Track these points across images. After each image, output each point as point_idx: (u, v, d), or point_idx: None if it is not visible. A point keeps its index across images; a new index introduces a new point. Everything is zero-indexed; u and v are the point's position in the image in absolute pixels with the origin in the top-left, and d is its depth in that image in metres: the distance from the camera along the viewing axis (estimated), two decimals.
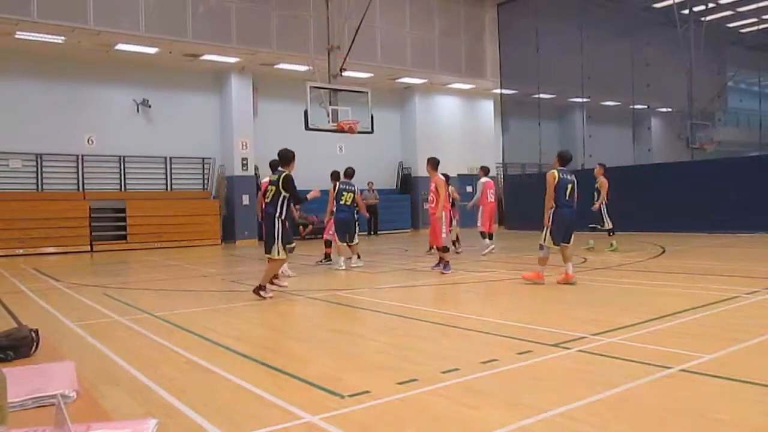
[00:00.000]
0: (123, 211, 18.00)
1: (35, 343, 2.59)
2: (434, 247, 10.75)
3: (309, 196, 8.17)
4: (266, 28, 17.79)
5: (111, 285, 9.44)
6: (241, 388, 3.82)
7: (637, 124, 21.05)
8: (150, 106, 18.82)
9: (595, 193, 12.91)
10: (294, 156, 7.95)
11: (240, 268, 12.40)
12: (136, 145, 18.65)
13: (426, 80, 22.68)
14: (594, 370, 4.06)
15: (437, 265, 10.26)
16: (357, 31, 15.64)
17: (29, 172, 17.30)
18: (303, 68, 17.75)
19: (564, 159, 8.46)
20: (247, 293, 8.48)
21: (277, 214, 7.59)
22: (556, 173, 8.24)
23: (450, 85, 23.66)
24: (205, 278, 10.53)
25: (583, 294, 7.48)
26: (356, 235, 11.35)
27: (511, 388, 3.72)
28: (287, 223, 7.90)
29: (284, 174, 7.65)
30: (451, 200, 11.82)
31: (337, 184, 11.45)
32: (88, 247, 17.24)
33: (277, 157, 10.56)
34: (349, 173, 11.75)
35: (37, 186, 17.39)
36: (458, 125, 24.91)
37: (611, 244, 12.81)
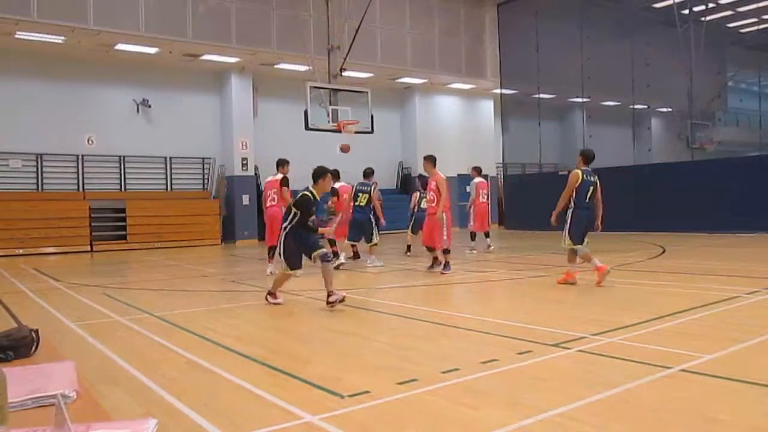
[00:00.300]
0: (123, 211, 18.00)
1: (35, 343, 2.59)
2: (427, 247, 10.26)
3: (321, 231, 7.43)
4: (266, 28, 17.79)
5: (111, 285, 9.44)
6: (241, 388, 3.82)
7: (637, 124, 21.04)
8: (150, 106, 18.82)
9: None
10: (323, 174, 7.26)
11: (240, 268, 12.40)
12: (136, 145, 18.66)
13: (426, 80, 22.68)
14: (594, 370, 4.06)
15: (432, 266, 10.15)
16: (357, 31, 15.65)
17: (29, 172, 17.30)
18: (303, 68, 17.75)
19: (588, 158, 8.18)
20: (247, 293, 8.49)
21: (284, 226, 6.98)
22: (580, 174, 8.00)
23: (450, 85, 23.66)
24: (205, 278, 10.53)
25: (583, 294, 7.48)
26: (374, 236, 11.24)
27: (511, 388, 3.72)
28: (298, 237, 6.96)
29: (301, 193, 7.05)
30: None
31: (354, 185, 11.57)
32: (88, 247, 17.24)
33: (281, 158, 10.69)
34: (368, 173, 11.77)
35: (37, 186, 17.40)
36: (458, 125, 24.91)
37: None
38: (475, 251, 13.36)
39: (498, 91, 23.41)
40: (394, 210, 23.41)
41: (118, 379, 4.11)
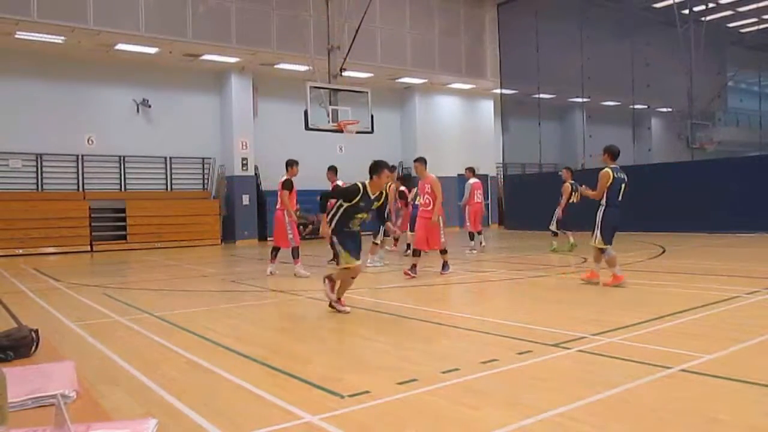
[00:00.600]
0: (123, 211, 18.00)
1: (35, 343, 2.59)
2: (414, 250, 9.77)
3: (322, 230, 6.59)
4: (266, 28, 17.79)
5: (111, 285, 9.43)
6: (241, 388, 3.82)
7: (637, 124, 21.05)
8: (150, 106, 18.82)
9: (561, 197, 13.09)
10: (377, 169, 6.55)
11: (240, 268, 12.40)
12: (136, 145, 18.66)
13: (426, 80, 22.67)
14: (594, 370, 4.06)
15: (412, 269, 9.45)
16: (357, 31, 15.66)
17: (29, 172, 17.30)
18: (303, 68, 17.75)
19: (614, 154, 7.97)
20: (247, 293, 8.48)
21: (329, 220, 6.52)
22: (611, 172, 7.78)
23: (450, 85, 23.66)
24: (205, 278, 10.52)
25: (583, 294, 7.48)
26: (378, 234, 11.29)
27: (511, 388, 3.72)
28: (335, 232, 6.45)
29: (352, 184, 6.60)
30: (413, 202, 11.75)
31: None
32: (88, 247, 17.24)
33: (290, 159, 10.46)
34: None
35: (37, 186, 17.39)
36: (458, 125, 24.91)
37: (551, 244, 13.11)
38: (475, 251, 13.46)
39: (498, 91, 23.41)
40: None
41: (118, 379, 4.11)
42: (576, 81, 20.90)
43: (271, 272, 10.14)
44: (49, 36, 15.46)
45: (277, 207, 10.26)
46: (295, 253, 9.97)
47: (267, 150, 20.07)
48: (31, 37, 15.42)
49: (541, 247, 13.91)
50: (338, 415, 3.24)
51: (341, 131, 14.67)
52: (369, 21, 17.50)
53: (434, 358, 4.51)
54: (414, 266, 9.39)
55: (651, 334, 4.96)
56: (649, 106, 23.56)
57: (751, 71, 25.78)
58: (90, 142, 18.06)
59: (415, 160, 9.85)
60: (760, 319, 5.63)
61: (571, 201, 12.84)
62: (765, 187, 15.82)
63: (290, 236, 9.94)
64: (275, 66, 19.11)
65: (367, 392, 3.59)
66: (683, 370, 3.89)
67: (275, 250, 10.33)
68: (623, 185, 7.90)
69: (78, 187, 18.00)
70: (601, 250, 7.86)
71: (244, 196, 19.72)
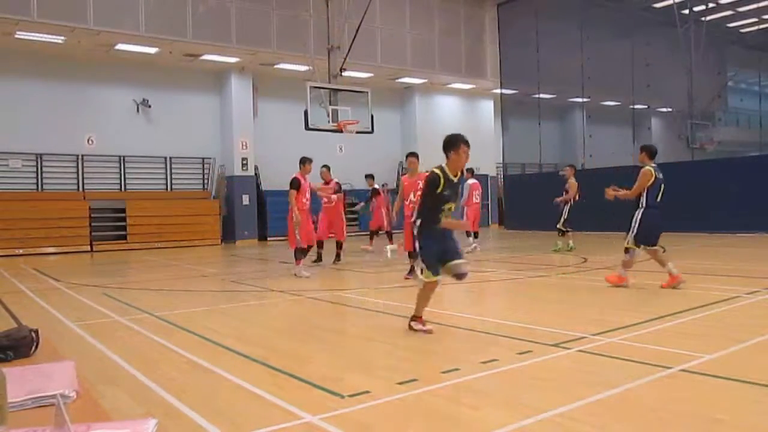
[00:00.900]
0: (123, 211, 18.01)
1: (35, 343, 2.59)
2: (409, 253, 9.18)
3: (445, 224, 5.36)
4: (266, 28, 17.79)
5: (111, 285, 9.43)
6: (241, 388, 3.82)
7: (637, 124, 21.04)
8: (150, 106, 18.81)
9: (564, 192, 13.04)
10: (454, 143, 5.66)
11: (240, 268, 12.39)
12: (136, 145, 18.66)
13: (426, 80, 22.68)
14: (594, 370, 4.06)
15: (411, 273, 9.12)
16: (357, 31, 15.65)
17: (29, 172, 17.30)
18: (303, 68, 17.75)
19: (652, 153, 7.70)
20: (247, 293, 8.47)
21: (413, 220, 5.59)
22: (652, 171, 7.51)
23: (450, 85, 23.66)
24: (205, 278, 10.52)
25: (583, 294, 7.48)
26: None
27: (511, 388, 3.72)
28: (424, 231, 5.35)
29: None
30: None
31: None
32: (88, 247, 17.24)
33: (303, 156, 10.28)
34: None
35: (37, 186, 17.39)
36: (458, 125, 24.84)
37: (556, 244, 13.06)
38: (476, 246, 13.35)
39: (498, 91, 23.41)
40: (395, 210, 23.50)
41: (118, 379, 4.10)
42: (576, 81, 20.89)
43: (304, 275, 9.70)
44: (49, 36, 15.47)
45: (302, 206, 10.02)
46: (299, 254, 9.94)
47: (267, 150, 20.08)
48: (31, 37, 15.42)
49: (541, 247, 13.91)
50: (338, 415, 3.24)
51: (341, 131, 14.66)
52: (369, 21, 17.49)
53: (434, 358, 4.51)
54: (412, 269, 9.10)
55: (651, 334, 4.96)
56: (649, 106, 23.54)
57: (751, 71, 25.77)
58: (90, 142, 18.07)
59: (410, 154, 9.14)
60: (760, 319, 5.63)
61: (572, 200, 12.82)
62: (765, 187, 15.81)
63: (297, 236, 9.84)
64: (275, 66, 19.11)
65: (367, 392, 3.59)
66: (683, 370, 3.88)
67: (303, 251, 10.01)
68: (663, 186, 7.61)
69: (78, 187, 18.00)
70: (627, 250, 7.62)
71: (244, 196, 19.73)
